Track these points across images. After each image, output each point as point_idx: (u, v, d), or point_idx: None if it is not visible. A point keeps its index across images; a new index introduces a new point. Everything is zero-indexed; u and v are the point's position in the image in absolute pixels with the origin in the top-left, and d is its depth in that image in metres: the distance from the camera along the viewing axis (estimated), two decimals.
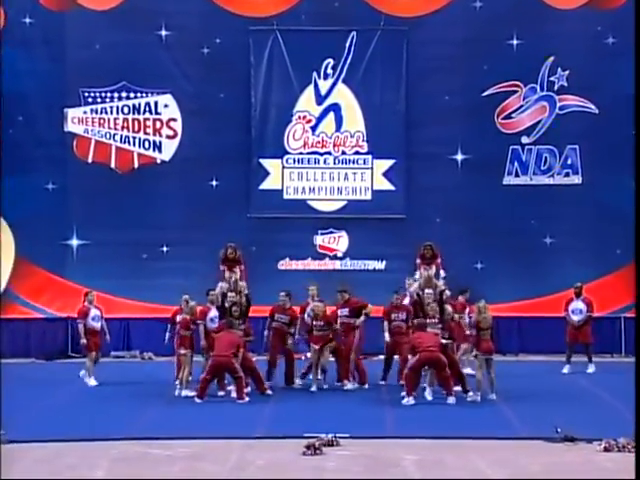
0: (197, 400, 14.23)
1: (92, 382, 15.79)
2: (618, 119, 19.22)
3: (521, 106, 19.89)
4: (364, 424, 12.73)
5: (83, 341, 15.84)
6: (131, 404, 14.20)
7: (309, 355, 16.18)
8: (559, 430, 11.65)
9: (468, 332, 15.40)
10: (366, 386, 15.45)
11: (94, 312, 15.99)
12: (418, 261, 16.53)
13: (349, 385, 15.27)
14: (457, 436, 11.86)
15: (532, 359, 17.76)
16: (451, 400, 14.18)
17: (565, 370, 16.82)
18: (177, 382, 15.01)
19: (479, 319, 14.76)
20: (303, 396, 14.97)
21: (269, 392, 14.81)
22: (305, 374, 15.72)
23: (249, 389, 14.86)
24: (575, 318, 17.14)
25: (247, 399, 14.28)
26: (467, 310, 16.76)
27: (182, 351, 14.77)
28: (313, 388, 15.21)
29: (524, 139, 19.90)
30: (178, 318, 15.24)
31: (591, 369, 16.77)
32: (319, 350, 15.35)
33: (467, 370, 15.77)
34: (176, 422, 12.94)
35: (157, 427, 12.47)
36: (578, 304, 17.25)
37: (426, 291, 15.15)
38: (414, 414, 13.55)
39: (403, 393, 14.42)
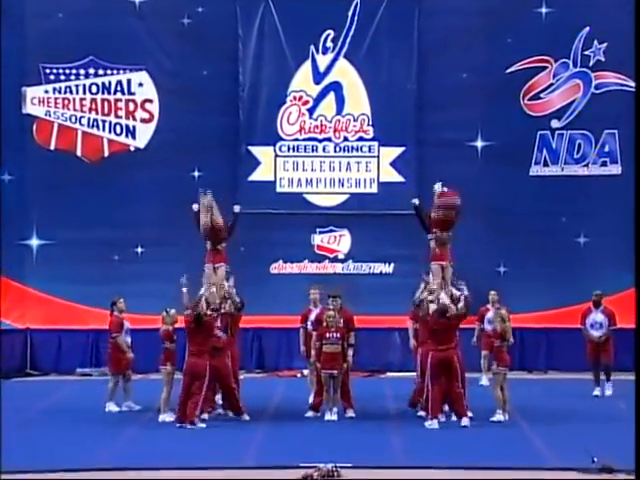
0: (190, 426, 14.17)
1: (114, 407, 15.50)
2: None
3: (551, 85, 19.88)
4: (368, 452, 12.66)
5: (131, 355, 15.50)
6: (99, 429, 14.13)
7: (306, 373, 16.04)
8: (595, 459, 11.54)
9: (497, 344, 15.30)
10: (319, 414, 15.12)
11: (126, 324, 15.80)
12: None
13: (351, 413, 15.13)
14: (476, 466, 11.77)
15: (562, 377, 17.69)
16: (465, 422, 14.11)
17: (597, 392, 16.70)
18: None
19: (504, 328, 14.69)
20: (299, 420, 14.90)
21: (246, 417, 14.70)
22: (317, 406, 15.19)
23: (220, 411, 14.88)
24: (595, 334, 16.90)
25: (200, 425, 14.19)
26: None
27: (168, 367, 14.66)
28: (330, 417, 14.82)
29: (554, 123, 19.88)
30: (160, 330, 15.15)
31: (609, 391, 16.59)
32: (331, 374, 14.77)
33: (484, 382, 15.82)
34: (152, 449, 12.87)
35: (129, 455, 12.38)
36: (597, 316, 17.01)
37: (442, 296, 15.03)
38: (426, 440, 13.50)
39: (422, 413, 14.32)
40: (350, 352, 15.10)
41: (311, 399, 15.79)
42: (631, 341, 17.66)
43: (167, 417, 14.59)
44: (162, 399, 14.78)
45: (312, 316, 16.09)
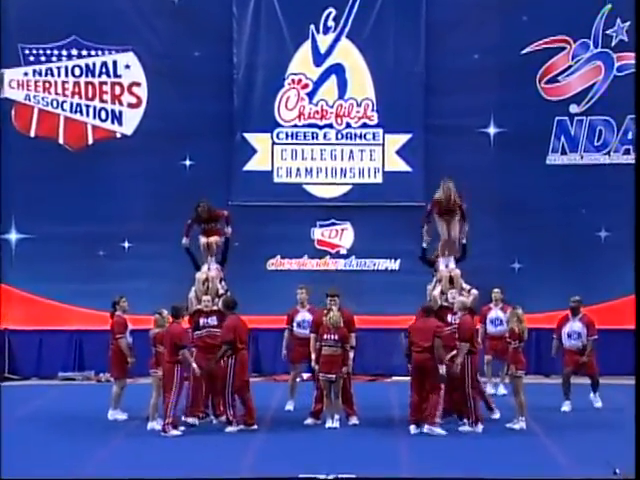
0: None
1: (120, 416, 15.47)
2: None
3: (569, 67, 19.89)
4: (373, 462, 12.66)
5: (132, 359, 15.52)
6: (83, 438, 14.10)
7: (289, 377, 16.24)
8: (617, 471, 11.56)
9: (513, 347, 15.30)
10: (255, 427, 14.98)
11: (129, 325, 15.85)
12: (431, 209, 15.46)
13: (354, 420, 15.15)
14: (490, 477, 11.74)
15: (580, 382, 17.61)
16: (464, 428, 14.30)
17: (565, 408, 16.16)
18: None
19: (522, 328, 14.72)
20: (297, 428, 14.90)
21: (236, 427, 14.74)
22: (317, 413, 15.21)
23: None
24: (573, 344, 16.29)
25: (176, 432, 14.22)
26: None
27: (159, 372, 14.69)
28: (331, 424, 14.84)
29: (573, 108, 19.89)
30: (151, 333, 15.17)
31: (598, 403, 16.44)
32: (329, 379, 14.80)
33: (489, 390, 15.95)
34: (139, 460, 12.86)
35: (115, 466, 12.36)
36: (575, 325, 16.38)
37: (450, 292, 15.10)
38: (435, 449, 13.50)
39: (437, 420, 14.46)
40: (351, 355, 15.11)
41: (289, 407, 15.96)
42: None
43: (156, 425, 14.60)
44: (151, 405, 14.80)
45: (298, 317, 16.20)
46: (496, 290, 17.49)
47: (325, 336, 14.91)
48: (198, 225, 15.90)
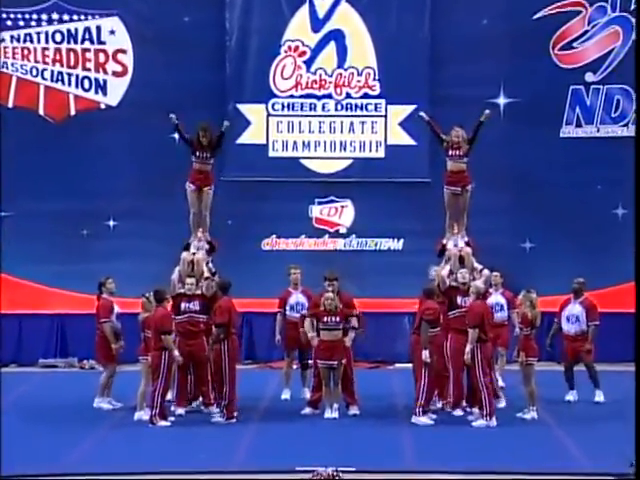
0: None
1: (105, 405, 15.47)
2: None
3: (585, 32, 19.81)
4: (375, 454, 12.66)
5: (116, 346, 15.45)
6: (66, 429, 14.12)
7: (283, 365, 16.28)
8: (634, 463, 11.54)
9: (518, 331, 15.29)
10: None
11: (116, 308, 15.78)
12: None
13: (354, 410, 15.15)
14: (499, 470, 11.76)
15: (598, 369, 17.60)
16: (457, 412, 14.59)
17: (570, 397, 16.11)
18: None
19: (535, 314, 14.69)
20: (294, 418, 14.91)
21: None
22: (315, 402, 15.23)
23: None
24: (569, 329, 16.12)
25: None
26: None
27: (149, 359, 14.68)
28: (330, 414, 14.83)
29: (589, 76, 19.84)
30: (140, 317, 15.15)
31: (599, 397, 16.32)
32: (330, 365, 14.80)
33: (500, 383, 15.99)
34: (125, 453, 12.86)
35: (99, 459, 12.36)
36: (575, 308, 16.17)
37: (460, 271, 15.07)
38: (440, 440, 13.52)
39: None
40: (351, 335, 15.02)
41: (285, 396, 15.90)
42: None
43: (144, 415, 14.58)
44: (139, 393, 14.78)
45: (291, 300, 16.16)
46: (495, 273, 17.03)
47: (325, 319, 14.84)
48: (193, 151, 15.87)
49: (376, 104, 20.06)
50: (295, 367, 16.54)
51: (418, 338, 14.58)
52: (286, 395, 16.21)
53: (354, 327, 15.11)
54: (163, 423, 14.24)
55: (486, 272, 15.33)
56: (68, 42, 19.84)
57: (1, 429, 13.41)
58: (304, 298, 16.20)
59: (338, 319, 14.83)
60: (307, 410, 15.16)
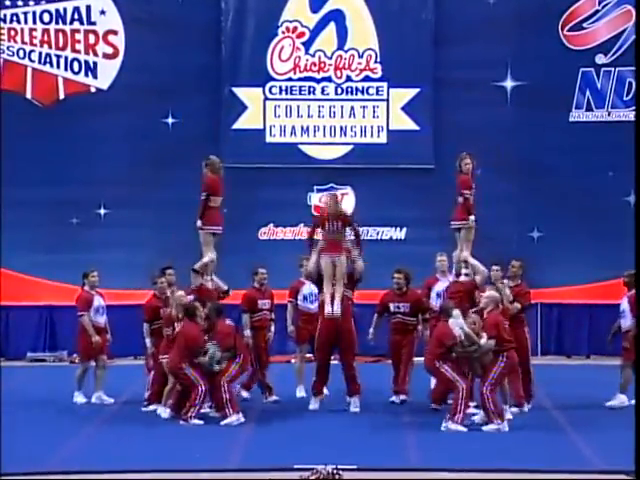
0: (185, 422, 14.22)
1: (81, 399, 15.52)
2: None
3: (596, 12, 19.85)
4: (377, 452, 12.68)
5: (96, 339, 15.38)
6: (55, 425, 14.15)
7: (295, 360, 16.25)
8: None
9: None
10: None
11: (98, 301, 15.70)
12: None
13: (355, 407, 15.12)
14: (506, 468, 11.75)
15: (608, 363, 17.63)
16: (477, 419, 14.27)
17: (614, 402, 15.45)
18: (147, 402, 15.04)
19: (510, 308, 14.73)
20: (293, 414, 14.93)
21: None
22: (319, 390, 15.25)
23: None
24: (622, 324, 15.50)
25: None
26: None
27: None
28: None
29: (600, 58, 19.87)
30: (161, 312, 15.03)
31: (611, 402, 15.99)
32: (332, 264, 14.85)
33: None
34: (118, 451, 12.84)
35: (91, 457, 12.37)
36: (623, 302, 15.63)
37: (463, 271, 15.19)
38: (447, 439, 13.53)
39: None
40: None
41: (301, 393, 15.91)
42: None
43: (164, 412, 14.49)
44: (166, 391, 14.69)
45: (305, 289, 15.97)
46: (495, 267, 16.76)
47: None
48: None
49: (378, 87, 20.07)
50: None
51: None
52: (301, 393, 16.00)
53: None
54: (196, 422, 14.18)
55: (482, 269, 15.27)
56: (57, 22, 19.88)
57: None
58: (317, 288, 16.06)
59: None
60: (313, 404, 15.06)
